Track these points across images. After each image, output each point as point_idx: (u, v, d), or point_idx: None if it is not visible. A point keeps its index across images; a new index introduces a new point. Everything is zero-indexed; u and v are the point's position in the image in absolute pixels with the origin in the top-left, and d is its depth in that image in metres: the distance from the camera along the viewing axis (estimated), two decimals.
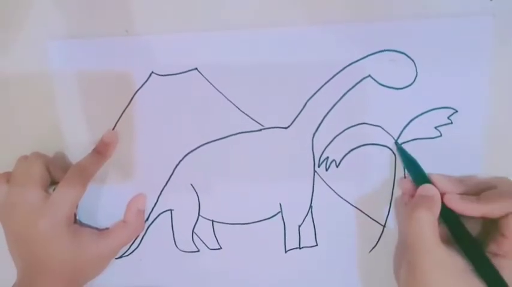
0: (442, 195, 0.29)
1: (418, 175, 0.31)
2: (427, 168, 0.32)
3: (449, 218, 0.29)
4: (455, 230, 0.29)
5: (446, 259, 0.27)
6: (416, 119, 0.33)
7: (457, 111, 0.32)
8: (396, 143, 0.32)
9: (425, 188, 0.30)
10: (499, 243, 0.28)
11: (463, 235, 0.28)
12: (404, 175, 0.33)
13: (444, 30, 0.32)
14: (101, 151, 0.34)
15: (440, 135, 0.33)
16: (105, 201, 0.35)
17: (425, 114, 0.33)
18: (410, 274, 0.28)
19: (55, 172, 0.33)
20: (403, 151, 0.32)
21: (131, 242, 0.36)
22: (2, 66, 0.35)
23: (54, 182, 0.33)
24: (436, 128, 0.33)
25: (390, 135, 0.33)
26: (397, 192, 0.33)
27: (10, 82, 0.35)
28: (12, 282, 0.33)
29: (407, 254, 0.29)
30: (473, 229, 0.29)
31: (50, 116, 0.35)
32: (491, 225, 0.29)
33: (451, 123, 0.32)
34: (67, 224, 0.32)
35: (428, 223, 0.28)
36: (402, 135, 0.33)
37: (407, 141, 0.33)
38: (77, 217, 0.35)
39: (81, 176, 0.33)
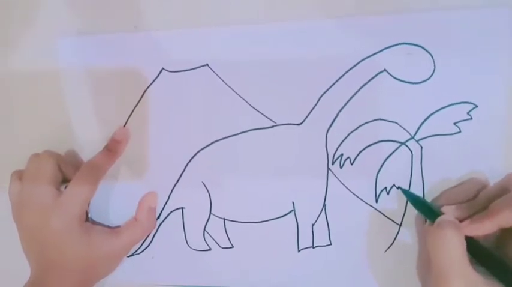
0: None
1: (430, 213, 0.30)
2: (446, 166, 0.31)
3: (471, 245, 0.28)
4: (478, 254, 0.28)
5: (478, 281, 0.26)
6: (434, 115, 0.32)
7: (477, 106, 0.31)
8: (400, 188, 0.32)
9: (443, 217, 0.29)
10: None
11: (486, 257, 0.28)
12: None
13: (462, 22, 0.31)
14: (112, 149, 0.34)
15: (460, 131, 0.31)
16: (117, 199, 0.35)
17: (444, 109, 0.31)
18: None
19: (67, 170, 0.33)
20: (407, 193, 0.32)
21: (143, 240, 0.35)
22: (12, 64, 0.35)
23: (65, 180, 0.33)
24: (455, 124, 0.31)
25: (407, 131, 0.32)
26: (413, 190, 0.32)
27: (21, 80, 0.35)
28: (26, 279, 0.33)
29: (435, 274, 0.27)
30: (490, 239, 0.29)
31: (61, 114, 0.35)
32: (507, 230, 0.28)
33: (471, 119, 0.31)
34: (79, 222, 0.32)
35: (458, 246, 0.27)
36: (419, 131, 0.32)
37: (425, 138, 0.32)
38: (89, 215, 0.35)
39: (93, 174, 0.33)
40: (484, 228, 0.27)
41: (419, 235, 0.32)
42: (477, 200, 0.29)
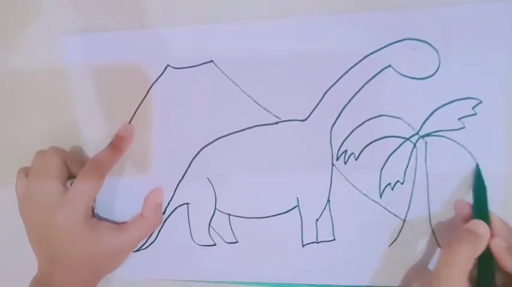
0: (492, 236, 0.28)
1: (480, 205, 0.30)
2: (450, 161, 0.31)
3: (485, 261, 0.28)
4: (484, 275, 0.28)
5: None
6: (438, 110, 0.32)
7: (481, 101, 0.31)
8: (477, 166, 0.31)
9: (477, 224, 0.28)
10: None
11: (488, 282, 0.28)
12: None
13: (467, 17, 0.30)
14: (118, 145, 0.34)
15: (464, 127, 0.32)
16: (122, 195, 0.36)
17: (449, 105, 0.31)
18: None
19: (72, 166, 0.34)
20: (480, 176, 0.31)
21: (148, 236, 0.36)
22: (17, 61, 0.36)
23: (71, 177, 0.34)
24: (459, 119, 0.31)
25: (411, 127, 0.32)
26: (418, 185, 0.32)
27: (26, 78, 0.36)
28: (33, 274, 0.33)
29: (427, 277, 0.28)
30: (500, 277, 0.29)
31: (66, 111, 0.35)
32: None
33: (476, 114, 0.31)
34: (85, 218, 0.32)
35: (465, 260, 0.27)
36: (424, 127, 0.32)
37: (430, 134, 0.32)
38: (95, 211, 0.35)
39: (98, 170, 0.33)
40: (510, 262, 0.28)
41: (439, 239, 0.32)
42: None
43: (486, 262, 0.28)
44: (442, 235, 0.32)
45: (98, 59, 0.34)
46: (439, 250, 0.33)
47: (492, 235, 0.28)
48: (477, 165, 0.31)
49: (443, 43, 0.31)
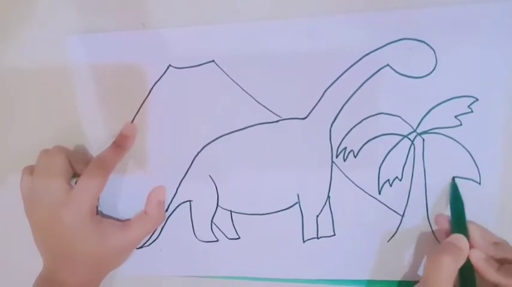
0: (471, 246, 0.30)
1: (459, 218, 0.31)
2: (447, 158, 0.32)
3: (466, 271, 0.29)
4: (466, 285, 0.29)
5: None
6: (435, 108, 0.32)
7: (477, 99, 0.32)
8: (453, 179, 0.32)
9: (457, 238, 0.30)
10: None
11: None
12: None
13: (464, 17, 0.31)
14: (121, 144, 0.35)
15: (461, 124, 0.32)
16: (125, 193, 0.36)
17: (445, 103, 0.32)
18: None
19: (76, 165, 0.34)
20: (457, 190, 0.32)
21: (152, 233, 0.36)
22: (21, 61, 0.36)
23: (75, 175, 0.34)
24: (456, 117, 0.32)
25: (409, 125, 0.33)
26: (415, 182, 0.33)
27: (30, 78, 0.36)
28: (38, 271, 0.34)
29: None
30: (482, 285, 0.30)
31: (70, 111, 0.35)
32: None
33: (472, 112, 0.32)
34: (90, 216, 0.32)
35: (448, 270, 0.28)
36: (421, 124, 0.32)
37: (427, 131, 0.32)
38: (99, 209, 0.36)
39: (102, 169, 0.33)
40: (489, 272, 0.29)
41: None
42: (501, 246, 0.30)
43: (467, 272, 0.29)
44: (428, 245, 0.33)
45: (100, 59, 0.35)
46: None
47: (471, 246, 0.30)
48: (453, 178, 0.32)
49: (440, 43, 0.31)
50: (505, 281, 0.28)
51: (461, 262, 0.29)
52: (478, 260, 0.29)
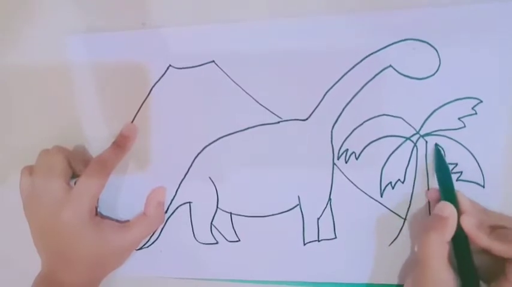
0: (461, 213, 0.29)
1: (446, 186, 0.31)
2: (450, 161, 0.31)
3: (459, 240, 0.29)
4: (460, 256, 0.29)
5: (450, 282, 0.27)
6: (439, 110, 0.32)
7: (481, 101, 0.31)
8: (436, 145, 0.32)
9: (442, 206, 0.29)
10: (501, 285, 0.28)
11: (465, 262, 0.29)
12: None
13: (468, 18, 0.31)
14: (121, 144, 0.34)
15: (464, 126, 0.32)
16: (125, 194, 0.36)
17: (449, 104, 0.32)
18: None
19: (76, 166, 0.34)
20: (441, 157, 0.31)
21: (151, 234, 0.36)
22: (21, 61, 0.36)
23: (75, 176, 0.34)
24: (459, 119, 0.32)
25: (412, 126, 0.32)
26: (418, 185, 0.33)
27: (29, 77, 0.36)
28: (37, 271, 0.34)
29: (415, 269, 0.29)
30: (482, 262, 0.29)
31: (70, 111, 0.35)
32: (499, 265, 0.28)
33: (476, 114, 0.31)
34: (89, 217, 0.32)
35: (437, 247, 0.28)
36: (424, 126, 0.32)
37: (430, 133, 0.32)
38: (98, 210, 0.36)
39: (102, 169, 0.33)
40: (480, 237, 0.28)
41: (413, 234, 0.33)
42: (490, 213, 0.30)
43: (460, 242, 0.29)
44: (415, 230, 0.33)
45: (100, 59, 0.34)
46: None
47: (461, 213, 0.29)
48: (436, 145, 0.32)
49: (444, 43, 0.31)
50: (497, 246, 0.28)
51: (450, 233, 0.28)
52: (469, 225, 0.29)
